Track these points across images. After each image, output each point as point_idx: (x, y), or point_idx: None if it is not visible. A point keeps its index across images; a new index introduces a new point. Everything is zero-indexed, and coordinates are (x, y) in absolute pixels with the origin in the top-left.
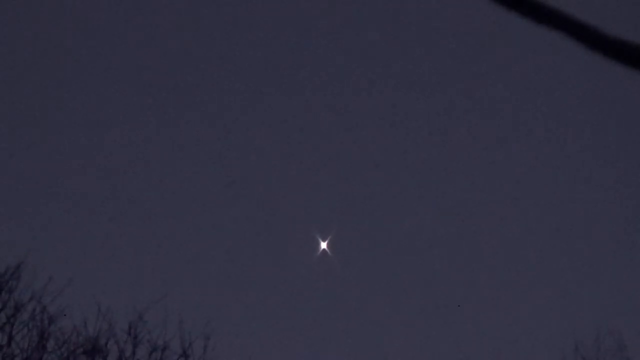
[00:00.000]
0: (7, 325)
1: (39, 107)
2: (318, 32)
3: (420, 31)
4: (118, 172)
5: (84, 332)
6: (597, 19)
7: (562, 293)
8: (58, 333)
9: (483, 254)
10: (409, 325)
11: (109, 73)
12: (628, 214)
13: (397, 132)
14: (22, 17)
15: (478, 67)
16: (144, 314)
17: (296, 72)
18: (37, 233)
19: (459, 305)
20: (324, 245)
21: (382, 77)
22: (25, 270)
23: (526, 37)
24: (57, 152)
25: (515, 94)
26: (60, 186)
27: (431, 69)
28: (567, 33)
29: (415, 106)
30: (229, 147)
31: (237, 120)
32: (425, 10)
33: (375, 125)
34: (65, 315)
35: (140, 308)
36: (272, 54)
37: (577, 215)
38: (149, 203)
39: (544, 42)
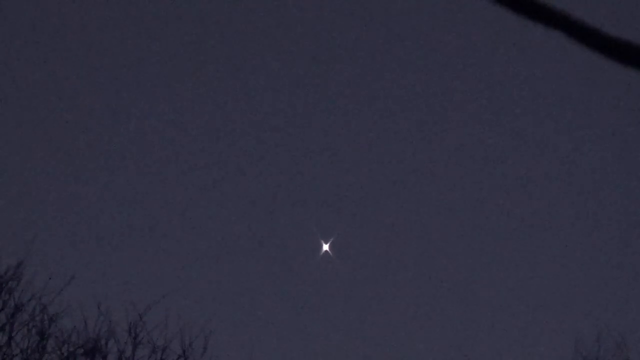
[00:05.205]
0: (7, 325)
1: (38, 107)
2: (319, 33)
3: (419, 31)
4: (118, 172)
5: (84, 332)
6: (597, 19)
7: (562, 293)
8: (58, 333)
9: (484, 255)
10: (411, 326)
11: (103, 78)
12: (628, 214)
13: (400, 134)
14: (31, 13)
15: (479, 67)
16: (144, 314)
17: (299, 71)
18: (37, 233)
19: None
20: (326, 247)
21: (383, 77)
22: (25, 270)
23: (526, 37)
24: (56, 151)
25: (514, 94)
26: (59, 186)
27: (432, 69)
28: (567, 32)
29: (417, 107)
30: (231, 148)
31: (239, 121)
32: (424, 9)
33: (378, 127)
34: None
35: (140, 308)
36: (275, 55)
37: (578, 215)
38: (149, 203)
39: (543, 41)
